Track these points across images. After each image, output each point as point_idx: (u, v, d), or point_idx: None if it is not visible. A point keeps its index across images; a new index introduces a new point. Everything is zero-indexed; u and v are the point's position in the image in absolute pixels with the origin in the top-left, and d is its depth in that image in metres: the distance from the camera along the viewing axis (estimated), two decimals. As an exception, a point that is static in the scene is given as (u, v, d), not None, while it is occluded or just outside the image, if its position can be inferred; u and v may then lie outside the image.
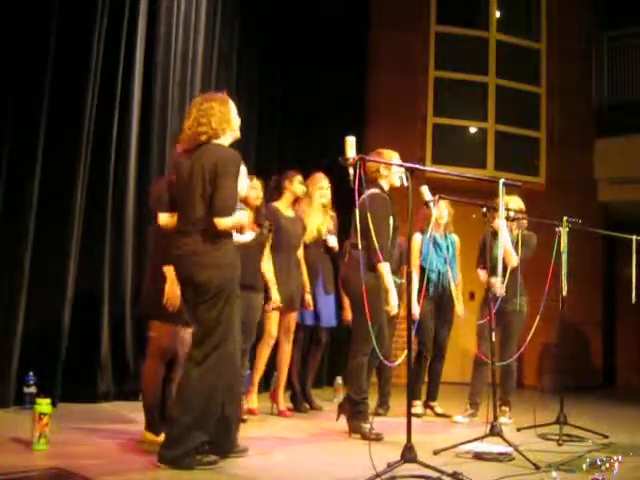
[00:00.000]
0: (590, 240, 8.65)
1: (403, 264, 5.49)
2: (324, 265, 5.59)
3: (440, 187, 5.92)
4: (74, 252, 4.97)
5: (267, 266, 5.07)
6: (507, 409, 5.32)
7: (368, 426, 4.29)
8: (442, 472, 3.18)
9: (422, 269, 5.47)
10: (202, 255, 3.28)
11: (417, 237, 5.57)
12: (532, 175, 9.03)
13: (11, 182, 4.63)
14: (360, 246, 4.26)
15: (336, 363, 6.93)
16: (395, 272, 4.74)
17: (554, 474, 3.45)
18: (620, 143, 9.16)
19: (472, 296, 5.83)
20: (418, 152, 8.51)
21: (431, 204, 4.50)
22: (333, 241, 5.52)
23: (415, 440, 3.27)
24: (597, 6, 9.71)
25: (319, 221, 5.54)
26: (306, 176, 5.61)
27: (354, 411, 4.39)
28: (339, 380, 6.37)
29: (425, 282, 5.41)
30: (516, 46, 9.19)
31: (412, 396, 3.81)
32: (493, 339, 4.42)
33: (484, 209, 4.68)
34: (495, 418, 4.08)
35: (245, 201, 4.42)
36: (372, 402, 4.72)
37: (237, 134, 3.52)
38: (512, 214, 5.17)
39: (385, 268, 4.31)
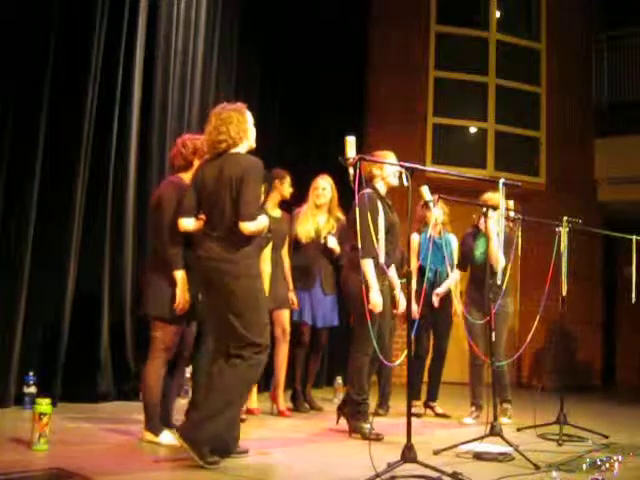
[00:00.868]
0: (590, 240, 8.66)
1: (404, 264, 5.49)
2: (322, 266, 5.58)
3: (440, 187, 5.93)
4: (74, 252, 4.97)
5: (265, 268, 5.08)
6: (508, 406, 5.31)
7: (368, 426, 4.29)
8: (442, 472, 3.17)
9: (421, 269, 5.47)
10: (232, 263, 3.38)
11: (415, 237, 5.57)
12: (532, 175, 9.04)
13: (11, 182, 4.63)
14: (355, 247, 4.29)
15: (336, 363, 6.93)
16: (396, 272, 4.72)
17: (554, 474, 3.45)
18: (620, 143, 9.17)
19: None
20: (418, 152, 8.51)
21: (431, 204, 4.50)
22: (333, 242, 5.51)
23: (415, 440, 3.27)
24: (597, 6, 9.72)
25: (319, 222, 5.54)
26: (306, 176, 5.61)
27: (354, 411, 4.39)
28: (339, 380, 6.38)
29: (425, 282, 5.41)
30: (516, 46, 9.20)
31: (412, 396, 3.81)
32: (493, 339, 4.42)
33: (484, 209, 4.68)
34: (495, 418, 4.08)
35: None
36: (372, 402, 4.72)
37: (253, 144, 3.62)
38: (512, 214, 5.16)
39: (367, 265, 4.28)
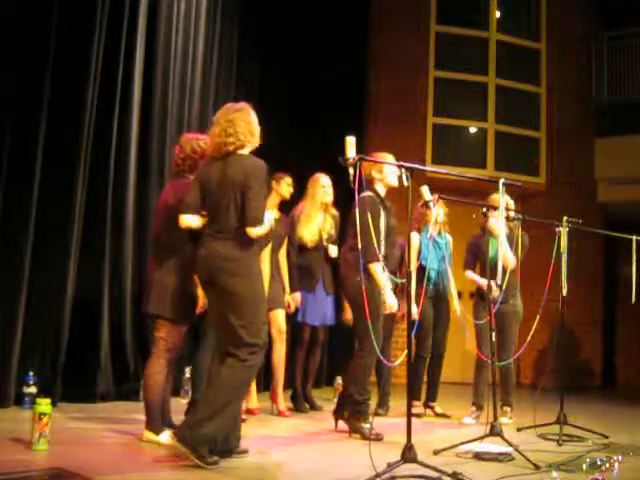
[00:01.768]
0: (590, 240, 8.66)
1: (404, 264, 5.49)
2: (324, 267, 5.59)
3: (440, 187, 5.92)
4: (74, 252, 4.97)
5: (264, 269, 5.08)
6: (509, 409, 5.33)
7: (368, 426, 4.29)
8: (442, 472, 3.18)
9: (421, 268, 5.46)
10: (234, 262, 3.39)
11: (415, 236, 5.56)
12: (532, 175, 9.04)
13: (11, 182, 4.63)
14: (353, 247, 4.32)
15: (336, 363, 6.93)
16: (395, 272, 4.72)
17: (554, 474, 3.45)
18: (620, 143, 9.16)
19: (472, 295, 5.83)
20: (418, 152, 8.50)
21: (431, 204, 4.50)
22: (334, 252, 5.52)
23: (415, 440, 3.27)
24: (597, 6, 9.71)
25: (320, 222, 5.54)
26: (306, 176, 5.61)
27: (355, 411, 4.40)
28: (339, 380, 6.37)
29: (425, 281, 5.41)
30: (516, 46, 9.19)
31: (412, 396, 3.81)
32: (493, 339, 4.42)
33: (484, 209, 4.68)
34: (495, 418, 4.08)
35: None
36: (372, 402, 4.72)
37: (256, 144, 3.65)
38: (512, 214, 5.16)
39: (376, 269, 4.33)
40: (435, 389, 5.77)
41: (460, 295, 5.84)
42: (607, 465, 3.64)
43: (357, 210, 4.08)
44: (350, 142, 3.55)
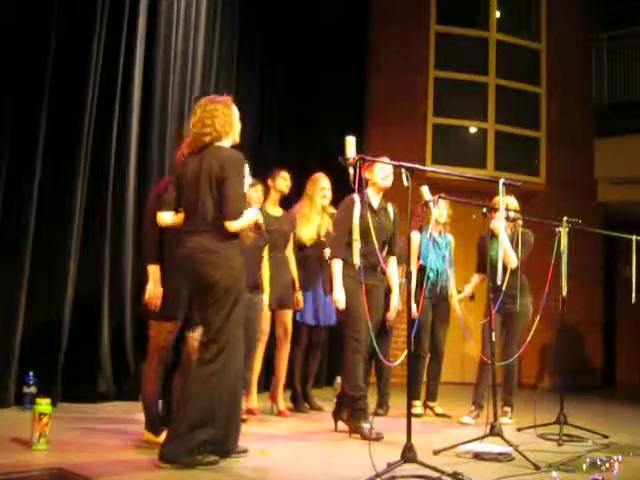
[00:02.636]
0: (590, 240, 8.66)
1: (403, 263, 5.49)
2: (323, 265, 5.59)
3: (440, 187, 5.93)
4: (74, 252, 4.97)
5: (265, 269, 5.08)
6: (509, 409, 5.32)
7: (368, 426, 4.29)
8: (442, 472, 3.17)
9: (422, 268, 5.47)
10: (213, 254, 3.32)
11: (415, 236, 5.56)
12: (532, 175, 9.04)
13: (11, 182, 4.63)
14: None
15: (336, 363, 6.91)
16: (375, 272, 4.66)
17: (554, 474, 3.45)
18: (620, 143, 9.17)
19: (472, 297, 5.82)
20: (418, 152, 8.51)
21: (431, 204, 4.50)
22: (328, 253, 5.52)
23: (415, 440, 3.27)
24: (597, 6, 9.72)
25: (318, 222, 5.54)
26: (306, 176, 5.61)
27: (353, 410, 4.40)
28: (339, 380, 6.36)
29: (425, 281, 5.41)
30: (516, 46, 9.20)
31: (412, 396, 3.81)
32: (493, 339, 4.42)
33: (484, 209, 4.68)
34: (495, 418, 4.08)
35: (247, 202, 4.42)
36: (372, 402, 4.72)
37: (237, 139, 3.56)
38: (512, 214, 5.17)
39: (333, 264, 4.44)
40: (435, 389, 5.77)
41: (472, 297, 5.82)
42: (607, 465, 3.64)
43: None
44: (350, 142, 3.55)
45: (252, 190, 4.60)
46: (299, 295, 5.44)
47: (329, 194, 5.54)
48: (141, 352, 5.36)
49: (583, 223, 4.95)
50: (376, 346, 4.14)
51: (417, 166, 3.64)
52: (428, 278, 5.48)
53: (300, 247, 5.54)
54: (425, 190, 4.44)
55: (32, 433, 3.40)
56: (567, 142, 9.22)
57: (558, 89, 9.25)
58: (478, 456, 3.82)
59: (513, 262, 5.16)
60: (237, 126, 3.54)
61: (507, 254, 5.10)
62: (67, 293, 4.91)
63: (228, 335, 3.31)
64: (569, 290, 4.88)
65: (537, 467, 3.55)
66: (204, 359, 3.29)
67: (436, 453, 3.83)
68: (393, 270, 4.75)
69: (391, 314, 5.02)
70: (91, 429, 4.12)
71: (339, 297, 4.38)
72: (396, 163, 3.58)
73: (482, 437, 4.01)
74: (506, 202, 5.11)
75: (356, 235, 4.39)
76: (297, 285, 5.44)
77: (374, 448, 3.27)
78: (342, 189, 4.54)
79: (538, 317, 5.00)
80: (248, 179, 4.36)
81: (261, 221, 4.54)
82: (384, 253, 4.61)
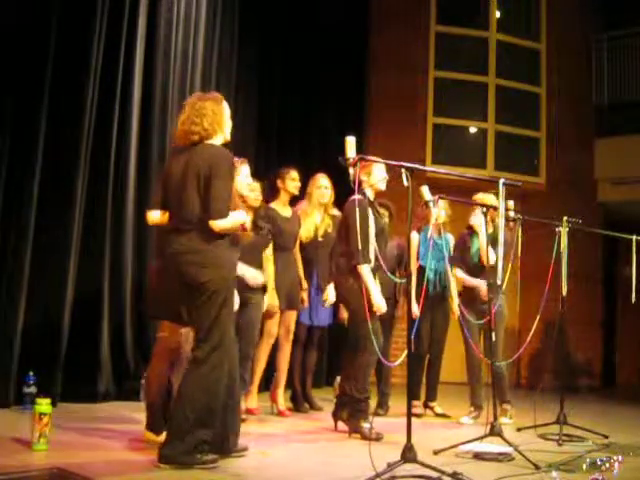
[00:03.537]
0: (590, 240, 8.66)
1: (403, 264, 5.50)
2: (320, 265, 5.58)
3: (440, 187, 5.92)
4: (74, 252, 4.97)
5: (269, 269, 5.08)
6: (508, 406, 5.30)
7: (368, 426, 4.29)
8: (442, 472, 3.18)
9: (421, 268, 5.46)
10: (199, 253, 3.29)
11: (414, 236, 5.56)
12: (532, 175, 9.03)
13: (11, 182, 4.63)
14: (344, 253, 4.39)
15: (336, 363, 6.92)
16: (392, 272, 4.70)
17: (554, 474, 3.45)
18: (620, 143, 9.16)
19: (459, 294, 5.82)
20: (418, 152, 8.50)
21: (431, 204, 4.51)
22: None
23: (415, 440, 3.27)
24: (597, 6, 9.71)
25: (317, 221, 5.53)
26: (306, 176, 5.61)
27: (354, 410, 4.40)
28: (339, 380, 6.36)
29: (425, 281, 5.41)
30: (516, 46, 9.19)
31: (412, 396, 3.81)
32: (493, 339, 4.42)
33: (484, 209, 4.68)
34: (495, 418, 4.08)
35: (244, 202, 4.42)
36: (372, 402, 4.72)
37: (227, 137, 3.51)
38: (512, 214, 5.16)
39: (365, 270, 4.33)
40: (434, 389, 5.77)
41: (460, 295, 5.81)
42: (607, 465, 3.64)
43: (345, 214, 4.12)
44: (350, 142, 3.55)
45: (249, 190, 4.57)
46: (304, 295, 5.44)
47: (327, 193, 5.53)
48: (141, 352, 5.37)
49: (583, 223, 4.95)
50: (376, 346, 4.14)
51: (417, 166, 3.65)
52: (428, 278, 5.48)
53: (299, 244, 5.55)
54: (425, 190, 4.44)
55: (32, 433, 3.40)
56: (567, 142, 9.21)
57: (558, 89, 9.25)
58: (478, 456, 3.83)
59: (491, 260, 5.12)
60: (227, 124, 3.49)
61: (483, 251, 5.11)
62: (67, 293, 4.91)
63: (219, 334, 3.29)
64: (569, 290, 4.88)
65: (537, 467, 3.55)
66: (197, 358, 3.28)
67: (436, 453, 3.83)
68: None
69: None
70: (91, 429, 4.12)
71: (379, 302, 4.34)
72: (396, 163, 3.58)
73: (482, 437, 4.01)
74: (487, 200, 5.10)
75: (373, 237, 4.39)
76: (304, 285, 5.44)
77: (374, 448, 3.26)
78: (342, 189, 4.54)
79: (538, 317, 5.00)
80: (248, 179, 4.37)
81: (248, 224, 4.51)
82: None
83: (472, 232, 5.45)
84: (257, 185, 4.92)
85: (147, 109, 5.65)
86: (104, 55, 5.18)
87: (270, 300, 5.04)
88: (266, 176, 5.45)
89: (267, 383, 5.97)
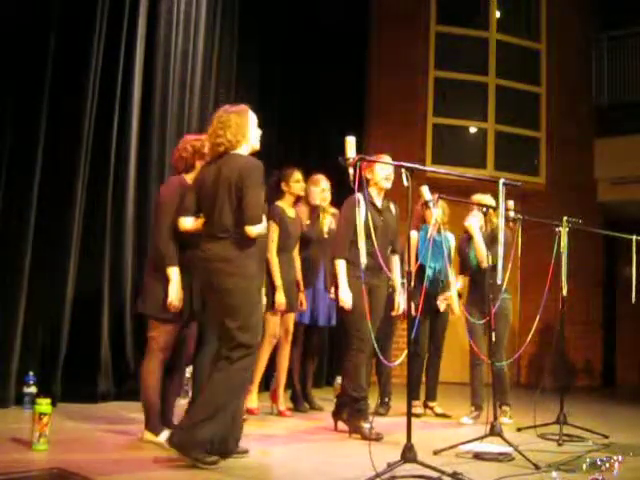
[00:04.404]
0: (590, 240, 8.66)
1: (403, 264, 5.48)
2: (324, 263, 5.58)
3: (440, 187, 5.92)
4: (74, 252, 4.97)
5: (275, 268, 5.09)
6: (507, 408, 5.31)
7: (368, 426, 4.29)
8: (442, 472, 3.18)
9: (421, 268, 5.45)
10: (229, 262, 3.39)
11: (413, 234, 5.54)
12: (532, 175, 9.04)
13: (11, 182, 4.63)
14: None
15: (336, 363, 6.92)
16: (379, 272, 4.64)
17: (554, 474, 3.45)
18: (620, 143, 9.16)
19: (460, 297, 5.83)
20: (418, 152, 8.50)
21: (431, 204, 4.50)
22: None
23: (415, 440, 3.27)
24: (597, 6, 9.71)
25: (320, 219, 5.54)
26: (306, 176, 5.61)
27: (354, 409, 4.40)
28: (339, 380, 6.36)
29: (424, 281, 5.40)
30: (516, 46, 9.19)
31: (412, 396, 3.81)
32: (493, 339, 4.42)
33: (484, 209, 4.68)
34: (495, 418, 4.08)
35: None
36: (372, 402, 4.72)
37: (255, 146, 3.63)
38: (512, 214, 5.16)
39: (337, 265, 4.44)
40: (434, 389, 5.76)
41: (460, 297, 5.81)
42: (607, 465, 3.64)
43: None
44: (350, 142, 3.55)
45: None
46: (302, 296, 5.44)
47: (327, 194, 5.54)
48: (141, 352, 5.35)
49: (583, 223, 4.94)
50: (376, 346, 4.14)
51: (417, 166, 3.65)
52: (427, 278, 5.47)
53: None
54: (425, 190, 4.43)
55: (32, 433, 3.40)
56: (567, 142, 9.21)
57: (558, 89, 9.25)
58: (478, 456, 3.83)
59: (484, 261, 5.12)
60: (253, 133, 3.60)
61: (480, 252, 5.12)
62: (67, 293, 4.91)
63: (248, 339, 3.37)
64: (569, 290, 4.88)
65: (537, 467, 3.55)
66: (230, 359, 3.35)
67: (436, 453, 3.83)
68: (397, 269, 4.76)
69: (395, 312, 4.98)
70: (91, 429, 4.12)
71: (345, 297, 4.39)
72: (396, 163, 3.58)
73: (482, 437, 4.01)
74: (482, 200, 5.11)
75: (362, 235, 4.39)
76: (301, 286, 5.45)
77: (374, 448, 3.26)
78: (342, 189, 4.54)
79: (538, 317, 5.00)
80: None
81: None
82: (388, 252, 4.63)
83: (469, 236, 5.44)
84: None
85: (147, 109, 5.66)
86: (104, 55, 5.18)
87: (279, 299, 5.05)
88: (267, 175, 5.44)
89: (267, 383, 5.97)
